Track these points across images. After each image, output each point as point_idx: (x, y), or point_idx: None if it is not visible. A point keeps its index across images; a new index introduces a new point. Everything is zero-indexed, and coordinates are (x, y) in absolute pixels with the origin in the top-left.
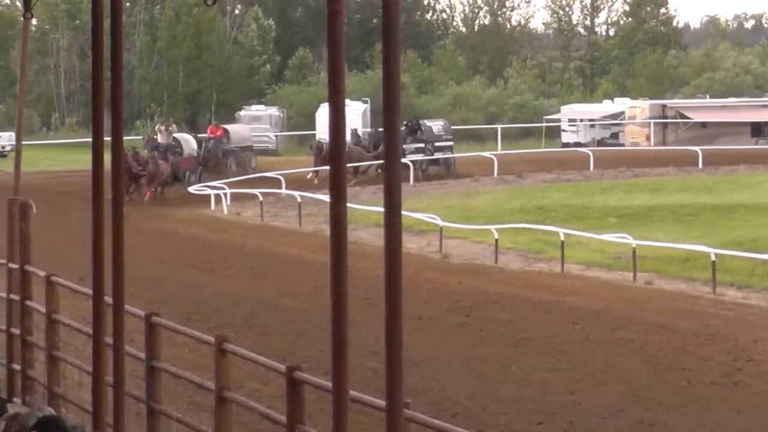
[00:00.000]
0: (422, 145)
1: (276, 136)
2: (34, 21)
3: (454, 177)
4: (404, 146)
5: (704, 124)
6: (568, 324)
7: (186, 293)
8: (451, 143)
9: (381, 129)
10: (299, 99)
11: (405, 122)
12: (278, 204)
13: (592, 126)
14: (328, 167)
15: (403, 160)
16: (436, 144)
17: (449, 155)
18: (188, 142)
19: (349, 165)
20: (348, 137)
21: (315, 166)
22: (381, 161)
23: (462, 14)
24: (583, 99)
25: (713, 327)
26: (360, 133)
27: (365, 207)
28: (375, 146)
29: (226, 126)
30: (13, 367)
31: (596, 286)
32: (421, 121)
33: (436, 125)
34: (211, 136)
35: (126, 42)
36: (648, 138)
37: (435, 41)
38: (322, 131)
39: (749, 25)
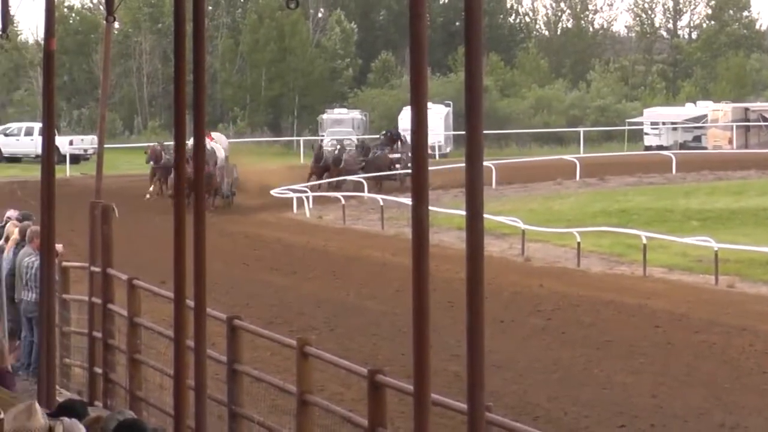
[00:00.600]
0: (398, 155)
1: (358, 139)
2: (116, 24)
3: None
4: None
5: None
6: (650, 327)
7: (268, 296)
8: None
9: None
10: (382, 102)
11: (384, 132)
12: (360, 207)
13: (675, 129)
14: (327, 175)
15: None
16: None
17: None
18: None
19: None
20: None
21: (311, 173)
22: (408, 170)
23: (545, 17)
24: (666, 102)
25: None
26: (351, 140)
27: (447, 210)
28: (365, 156)
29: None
30: (95, 371)
31: (678, 289)
32: (401, 132)
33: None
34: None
35: (209, 45)
36: (730, 141)
37: (518, 44)
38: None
39: None
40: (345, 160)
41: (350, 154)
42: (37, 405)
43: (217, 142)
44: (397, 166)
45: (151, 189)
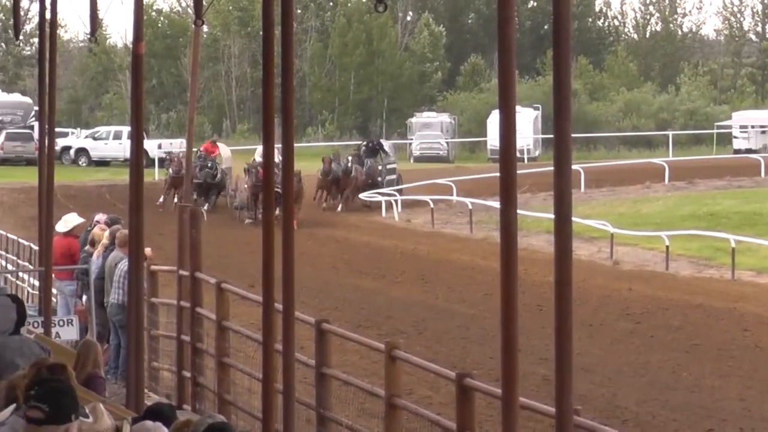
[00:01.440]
0: (380, 166)
1: (447, 142)
2: (205, 28)
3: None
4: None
5: None
6: (738, 330)
7: (357, 300)
8: (395, 165)
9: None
10: (471, 105)
11: (365, 143)
12: (449, 211)
13: (764, 132)
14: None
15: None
16: (388, 166)
17: (395, 176)
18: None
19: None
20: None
21: (319, 187)
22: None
23: (633, 20)
24: (755, 105)
25: None
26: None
27: (536, 213)
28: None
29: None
30: (183, 374)
31: (767, 293)
32: (383, 141)
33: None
34: (210, 154)
35: (297, 49)
36: None
37: (606, 47)
38: (493, 138)
39: None
40: (354, 172)
41: (356, 167)
42: (101, 406)
43: (222, 153)
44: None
45: (161, 200)
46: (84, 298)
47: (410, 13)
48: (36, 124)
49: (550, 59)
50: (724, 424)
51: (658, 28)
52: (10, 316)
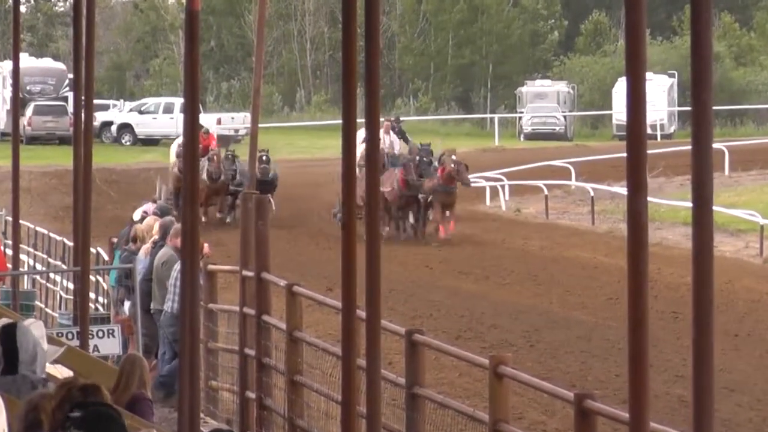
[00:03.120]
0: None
1: (565, 116)
2: None
3: None
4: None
5: None
6: None
7: (456, 305)
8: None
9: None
10: (592, 72)
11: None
12: (567, 198)
13: None
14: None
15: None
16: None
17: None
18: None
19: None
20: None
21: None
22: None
23: None
24: None
25: None
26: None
27: (671, 201)
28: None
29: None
30: (247, 395)
31: None
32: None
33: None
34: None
35: (384, 4)
36: None
37: (755, 3)
38: (619, 111)
39: None
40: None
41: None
42: None
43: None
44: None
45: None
46: (127, 304)
47: None
48: (71, 95)
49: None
50: None
51: None
52: None
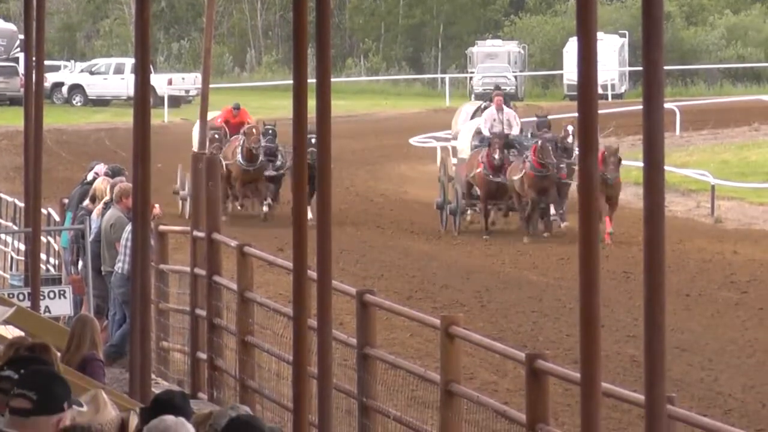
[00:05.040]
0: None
1: (516, 76)
2: None
3: None
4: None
5: None
6: None
7: (408, 266)
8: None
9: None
10: (543, 32)
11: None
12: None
13: None
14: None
15: None
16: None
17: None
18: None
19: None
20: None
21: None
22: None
23: None
24: None
25: None
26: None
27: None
28: None
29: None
30: (198, 356)
31: None
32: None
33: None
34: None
35: None
36: None
37: None
38: (570, 71)
39: None
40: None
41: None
42: (104, 394)
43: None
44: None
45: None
46: (80, 265)
47: None
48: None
49: None
50: None
51: None
52: None
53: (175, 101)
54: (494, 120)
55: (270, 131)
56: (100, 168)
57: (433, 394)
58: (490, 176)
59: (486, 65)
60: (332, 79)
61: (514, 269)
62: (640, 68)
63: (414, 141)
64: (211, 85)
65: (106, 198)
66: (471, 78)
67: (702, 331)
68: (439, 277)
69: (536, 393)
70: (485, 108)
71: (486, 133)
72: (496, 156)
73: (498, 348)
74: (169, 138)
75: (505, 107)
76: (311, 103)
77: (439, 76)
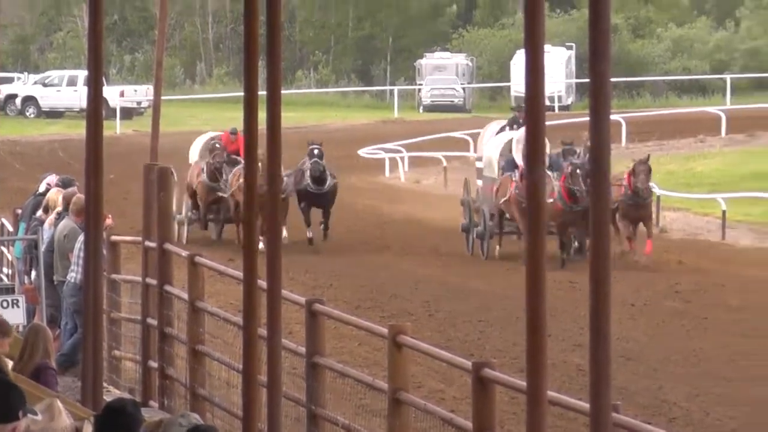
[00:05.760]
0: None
1: (464, 88)
2: None
3: None
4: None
5: None
6: None
7: (356, 276)
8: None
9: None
10: (491, 44)
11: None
12: (465, 169)
13: None
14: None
15: None
16: None
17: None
18: None
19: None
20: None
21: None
22: None
23: None
24: None
25: None
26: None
27: None
28: None
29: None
30: (149, 365)
31: None
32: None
33: None
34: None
35: None
36: None
37: None
38: (517, 83)
39: None
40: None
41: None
42: (59, 403)
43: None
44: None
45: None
46: (33, 274)
47: None
48: None
49: None
50: None
51: None
52: None
53: (128, 113)
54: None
55: (316, 151)
56: (52, 179)
57: (381, 402)
58: (569, 207)
59: (434, 77)
60: (282, 91)
61: (462, 279)
62: (587, 80)
63: (363, 152)
64: (162, 97)
65: (59, 208)
66: (419, 90)
67: (647, 340)
68: (387, 287)
69: (483, 401)
70: (511, 124)
71: (519, 155)
72: (576, 188)
73: (445, 357)
74: (121, 149)
75: None
76: (262, 114)
77: (387, 88)
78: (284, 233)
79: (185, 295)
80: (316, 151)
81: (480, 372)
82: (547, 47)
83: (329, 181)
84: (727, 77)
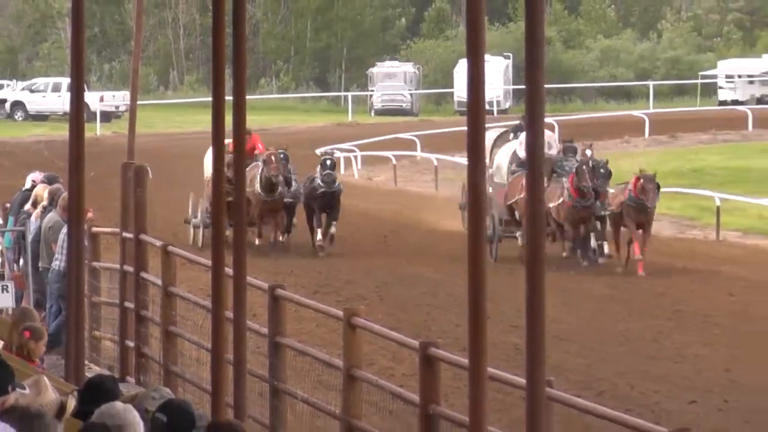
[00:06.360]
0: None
1: (411, 94)
2: None
3: None
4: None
5: None
6: (724, 296)
7: (314, 264)
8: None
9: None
10: (436, 54)
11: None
12: (413, 167)
13: (752, 82)
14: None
15: None
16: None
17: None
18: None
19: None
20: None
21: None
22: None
23: None
24: (742, 54)
25: None
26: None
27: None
28: None
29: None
30: (126, 344)
31: (755, 255)
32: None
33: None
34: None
35: None
36: None
37: None
38: (460, 89)
39: None
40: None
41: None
42: (46, 379)
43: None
44: None
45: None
46: (21, 262)
47: None
48: None
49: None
50: (708, 396)
51: None
52: None
53: (107, 116)
54: None
55: (329, 162)
56: (37, 176)
57: (336, 378)
58: (579, 203)
59: (385, 84)
60: (247, 97)
61: (411, 266)
62: (524, 87)
63: (320, 152)
64: (138, 102)
65: (44, 202)
66: (371, 96)
67: (578, 322)
68: (343, 273)
69: (429, 377)
70: (515, 131)
71: (522, 154)
72: (585, 185)
73: (395, 337)
74: (101, 149)
75: (546, 130)
76: (228, 118)
77: (342, 94)
78: (281, 237)
79: (159, 281)
80: (328, 162)
81: (426, 351)
82: (486, 57)
83: (338, 185)
84: (650, 84)
